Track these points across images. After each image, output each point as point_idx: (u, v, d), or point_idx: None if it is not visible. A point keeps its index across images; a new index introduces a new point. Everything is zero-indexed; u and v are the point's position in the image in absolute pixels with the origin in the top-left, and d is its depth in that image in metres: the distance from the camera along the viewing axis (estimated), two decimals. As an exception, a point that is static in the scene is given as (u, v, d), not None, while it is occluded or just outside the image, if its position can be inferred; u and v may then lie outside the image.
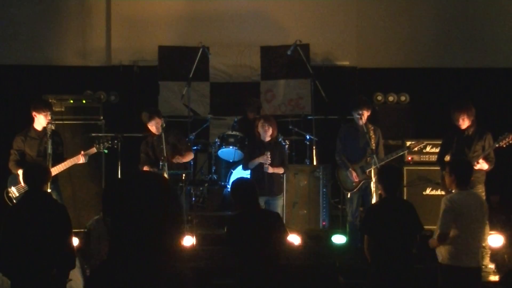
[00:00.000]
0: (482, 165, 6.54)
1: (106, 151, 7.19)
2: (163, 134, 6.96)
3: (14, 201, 6.59)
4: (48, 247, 4.60)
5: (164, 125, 7.07)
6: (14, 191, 6.70)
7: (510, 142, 6.50)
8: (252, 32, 9.81)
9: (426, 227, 6.79)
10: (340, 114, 8.40)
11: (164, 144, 6.81)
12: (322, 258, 6.59)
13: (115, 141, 7.15)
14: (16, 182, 6.70)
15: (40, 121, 6.81)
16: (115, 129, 8.21)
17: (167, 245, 2.39)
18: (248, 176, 7.37)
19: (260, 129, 6.94)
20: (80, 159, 6.87)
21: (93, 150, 6.97)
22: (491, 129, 6.89)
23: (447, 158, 6.80)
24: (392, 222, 4.98)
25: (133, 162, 8.25)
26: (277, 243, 4.88)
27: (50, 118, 6.78)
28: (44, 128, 6.79)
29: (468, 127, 6.70)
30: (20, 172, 6.57)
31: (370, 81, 9.76)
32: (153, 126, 7.12)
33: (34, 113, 6.83)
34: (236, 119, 8.70)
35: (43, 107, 6.83)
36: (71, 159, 6.86)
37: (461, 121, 6.65)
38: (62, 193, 7.02)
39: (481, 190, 6.58)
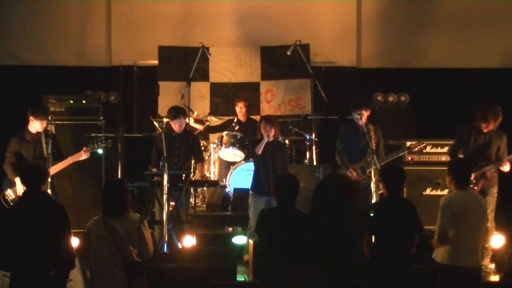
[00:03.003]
0: (505, 167, 6.55)
1: (100, 150, 7.19)
2: (162, 135, 7.00)
3: (11, 203, 6.57)
4: (47, 247, 4.59)
5: (164, 127, 7.15)
6: (10, 194, 6.69)
7: None
8: (252, 32, 9.81)
9: (426, 227, 6.79)
10: (340, 114, 8.41)
11: (164, 144, 6.83)
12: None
13: (109, 141, 7.16)
14: (11, 185, 6.68)
15: (35, 126, 6.78)
16: (115, 129, 8.23)
17: None
18: (247, 177, 7.39)
19: (262, 131, 6.95)
20: (82, 155, 6.88)
21: (89, 149, 6.99)
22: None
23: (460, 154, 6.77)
24: (393, 221, 4.96)
25: (133, 162, 8.28)
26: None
27: (45, 125, 6.76)
28: (38, 131, 6.78)
29: None
30: (17, 180, 6.56)
31: (370, 81, 9.77)
32: (177, 125, 7.27)
33: (31, 118, 6.79)
34: (235, 119, 8.72)
35: (41, 114, 6.78)
36: (73, 156, 6.87)
37: (483, 126, 6.57)
38: (58, 193, 6.98)
39: (495, 190, 6.60)
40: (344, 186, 4.50)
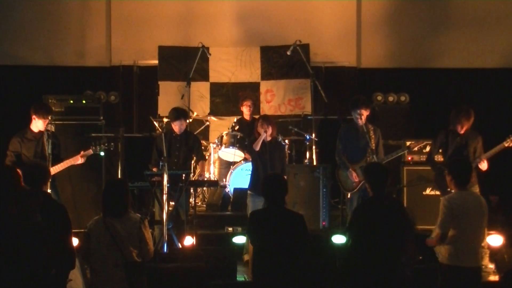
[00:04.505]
0: (483, 165, 6.57)
1: (102, 153, 7.18)
2: (162, 135, 7.01)
3: None
4: (47, 247, 4.58)
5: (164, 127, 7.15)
6: (10, 192, 6.68)
7: None
8: (252, 32, 9.82)
9: (426, 227, 6.84)
10: (340, 114, 8.41)
11: (164, 144, 6.84)
12: (322, 258, 6.58)
13: (111, 143, 7.15)
14: None
15: (38, 124, 6.78)
16: (115, 129, 8.23)
17: None
18: (247, 177, 7.39)
19: (260, 129, 6.96)
20: (79, 159, 6.87)
21: (90, 151, 6.97)
22: (490, 129, 6.92)
23: (438, 158, 6.82)
24: (380, 221, 4.89)
25: (133, 162, 8.27)
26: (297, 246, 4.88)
27: (48, 123, 6.77)
28: (40, 130, 6.78)
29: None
30: None
31: (370, 81, 9.78)
32: (177, 126, 7.26)
33: (33, 116, 6.80)
34: (235, 119, 8.74)
35: (44, 112, 6.77)
36: (69, 160, 6.85)
37: (459, 128, 6.66)
38: (59, 193, 6.98)
39: (477, 190, 6.61)
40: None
